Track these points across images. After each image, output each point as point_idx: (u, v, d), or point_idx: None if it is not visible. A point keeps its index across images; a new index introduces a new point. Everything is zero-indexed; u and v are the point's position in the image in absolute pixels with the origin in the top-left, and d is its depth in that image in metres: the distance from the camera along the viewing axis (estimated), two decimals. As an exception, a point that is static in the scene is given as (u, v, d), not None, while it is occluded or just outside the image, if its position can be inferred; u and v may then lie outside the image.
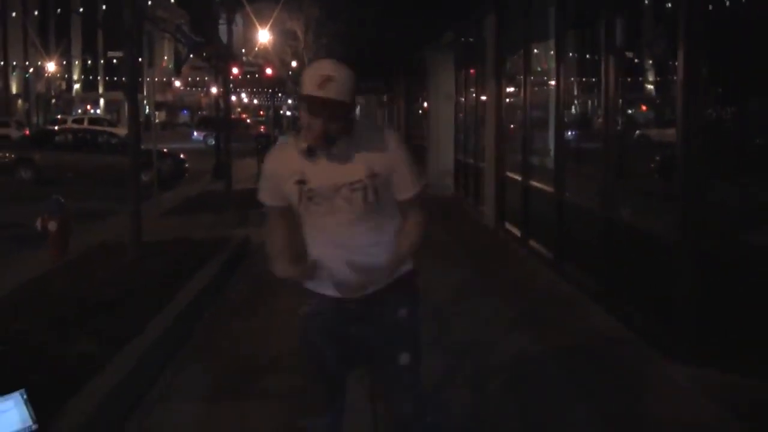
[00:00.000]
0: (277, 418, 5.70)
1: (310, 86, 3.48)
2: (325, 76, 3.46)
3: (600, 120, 9.05)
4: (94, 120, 58.59)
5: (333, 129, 3.51)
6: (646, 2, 8.69)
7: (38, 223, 11.60)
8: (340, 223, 3.70)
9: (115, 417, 5.57)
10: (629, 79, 9.21)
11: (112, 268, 9.74)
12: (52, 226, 11.39)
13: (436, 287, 9.39)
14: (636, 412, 5.85)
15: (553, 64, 10.95)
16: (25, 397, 4.64)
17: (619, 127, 8.89)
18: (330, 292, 3.79)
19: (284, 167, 3.71)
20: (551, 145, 11.15)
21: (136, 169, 10.98)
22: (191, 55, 42.92)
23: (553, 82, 10.97)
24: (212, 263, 10.31)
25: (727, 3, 7.35)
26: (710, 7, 6.88)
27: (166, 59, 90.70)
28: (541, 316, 8.52)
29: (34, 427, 4.62)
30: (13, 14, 71.82)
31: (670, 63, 7.74)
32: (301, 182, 3.66)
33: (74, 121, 55.76)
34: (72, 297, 8.17)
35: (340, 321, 3.82)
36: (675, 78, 6.81)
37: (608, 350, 7.31)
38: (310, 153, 3.56)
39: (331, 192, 3.64)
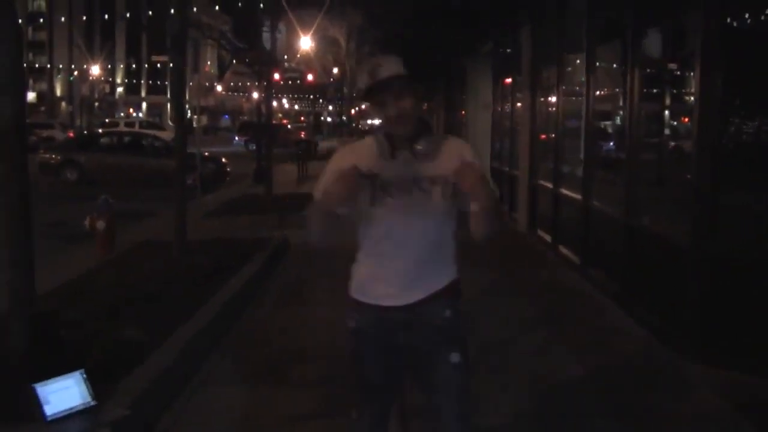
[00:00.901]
0: (309, 404, 6.17)
1: (365, 82, 3.57)
2: (372, 66, 3.57)
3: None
4: (144, 124, 59.69)
5: (405, 108, 3.55)
6: (670, 17, 8.98)
7: (86, 222, 12.03)
8: (413, 216, 3.61)
9: (163, 397, 6.02)
10: (674, 91, 9.50)
11: (159, 265, 10.20)
12: (101, 225, 11.83)
13: (466, 288, 9.76)
14: (645, 405, 6.21)
15: (584, 76, 11.24)
16: (84, 376, 5.12)
17: (656, 139, 9.25)
18: (376, 301, 3.73)
19: (358, 165, 3.53)
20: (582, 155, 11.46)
21: (182, 170, 11.42)
22: (234, 61, 43.49)
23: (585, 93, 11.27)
24: (253, 261, 10.77)
25: (743, 20, 7.65)
26: (727, 24, 7.21)
27: (209, 64, 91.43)
28: (563, 316, 8.92)
29: (93, 403, 5.10)
30: (62, 19, 72.74)
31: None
32: (375, 177, 3.58)
33: (126, 124, 56.75)
34: (122, 290, 8.67)
35: (387, 330, 3.73)
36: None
37: (623, 348, 7.69)
38: (393, 151, 3.59)
39: (410, 184, 3.59)
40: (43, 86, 77.89)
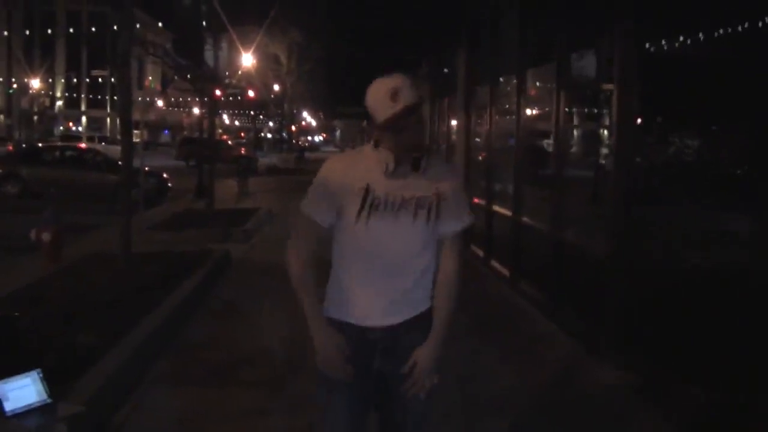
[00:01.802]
0: (251, 403, 6.57)
1: (384, 108, 3.39)
2: (392, 89, 3.37)
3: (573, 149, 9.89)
4: (102, 139, 60.47)
5: (422, 135, 3.53)
6: (593, 43, 9.43)
7: (32, 234, 12.12)
8: (397, 238, 3.53)
9: (116, 396, 6.38)
10: (607, 111, 9.96)
11: (107, 275, 10.40)
12: (46, 237, 11.97)
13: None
14: (566, 405, 6.71)
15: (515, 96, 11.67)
16: (41, 375, 5.43)
17: (593, 157, 9.75)
18: (357, 321, 3.61)
19: (350, 176, 3.50)
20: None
21: (128, 184, 11.65)
22: (176, 77, 43.41)
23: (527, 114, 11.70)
24: (197, 273, 11.05)
25: (660, 45, 8.14)
26: (644, 49, 7.70)
27: (150, 79, 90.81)
28: (494, 325, 9.39)
29: (49, 401, 5.40)
30: (5, 33, 72.00)
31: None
32: (368, 191, 3.47)
33: (88, 138, 56.81)
34: (72, 298, 8.91)
35: (364, 354, 3.61)
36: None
37: (547, 353, 8.21)
38: (396, 170, 3.46)
39: (398, 204, 3.49)
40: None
